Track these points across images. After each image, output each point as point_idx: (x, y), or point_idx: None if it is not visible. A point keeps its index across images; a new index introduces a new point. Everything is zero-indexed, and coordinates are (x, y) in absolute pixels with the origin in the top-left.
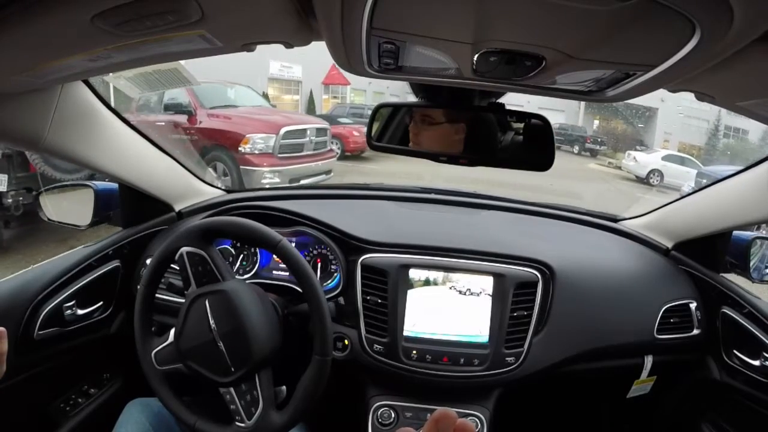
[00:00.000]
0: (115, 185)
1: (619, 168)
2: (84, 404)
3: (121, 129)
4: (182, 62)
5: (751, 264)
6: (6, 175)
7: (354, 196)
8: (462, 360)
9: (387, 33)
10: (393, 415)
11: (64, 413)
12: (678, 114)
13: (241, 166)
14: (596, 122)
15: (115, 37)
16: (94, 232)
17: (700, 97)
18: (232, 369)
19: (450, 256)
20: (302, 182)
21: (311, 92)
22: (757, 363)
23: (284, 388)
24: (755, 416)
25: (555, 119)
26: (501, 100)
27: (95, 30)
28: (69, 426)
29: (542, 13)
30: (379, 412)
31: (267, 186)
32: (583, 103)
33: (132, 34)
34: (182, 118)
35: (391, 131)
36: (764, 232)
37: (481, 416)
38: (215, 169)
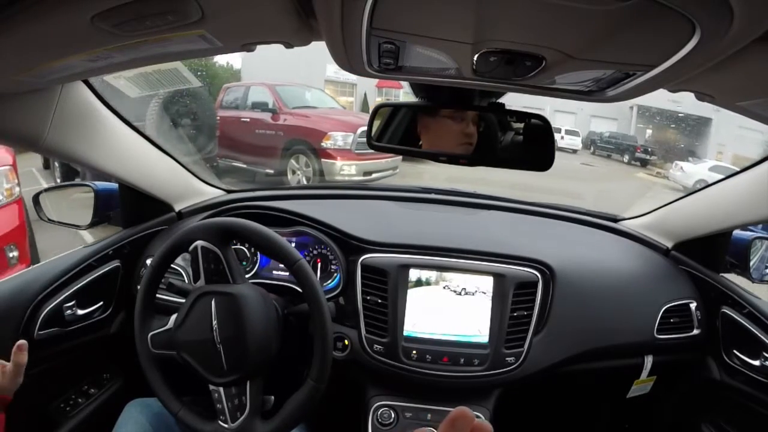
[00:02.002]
0: (115, 185)
1: (667, 178)
2: (84, 404)
3: (121, 129)
4: (241, 64)
5: (751, 264)
6: None
7: (354, 196)
8: (462, 360)
9: (387, 33)
10: (393, 415)
11: (64, 413)
12: (733, 124)
13: (322, 159)
14: (648, 132)
15: (115, 37)
16: None
17: (700, 97)
18: (226, 371)
19: (450, 256)
20: (373, 176)
21: (365, 95)
22: (757, 363)
23: (272, 397)
24: (755, 416)
25: (607, 127)
26: (502, 100)
27: (95, 30)
28: (69, 426)
29: (542, 13)
30: (379, 412)
31: (267, 186)
32: (635, 113)
33: (132, 34)
34: (266, 116)
35: (391, 131)
36: None
37: (481, 416)
38: (297, 161)
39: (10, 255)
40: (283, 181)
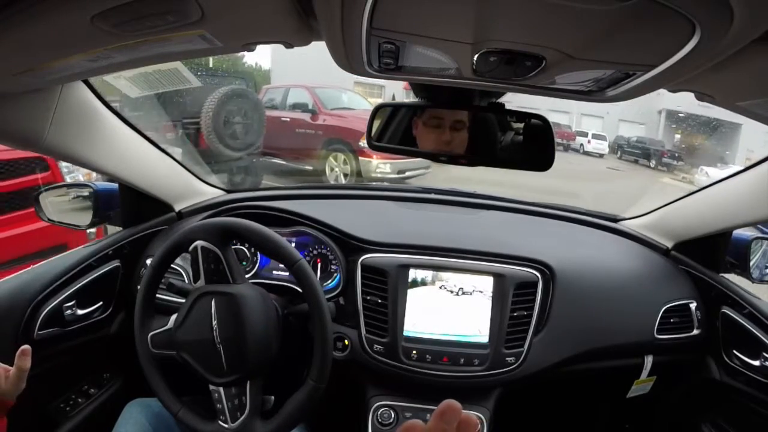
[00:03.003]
0: (115, 185)
1: (692, 183)
2: (84, 404)
3: (121, 129)
4: (270, 65)
5: (751, 264)
6: (180, 149)
7: (354, 196)
8: (462, 360)
9: (387, 33)
10: (393, 415)
11: (64, 413)
12: (762, 130)
13: (360, 158)
14: (677, 136)
15: (115, 37)
16: None
17: (700, 97)
18: (226, 371)
19: (450, 256)
20: (407, 174)
21: (393, 96)
22: (757, 363)
23: (272, 397)
24: (755, 416)
25: (634, 132)
26: (502, 100)
27: (95, 30)
28: (69, 426)
29: (542, 13)
30: (379, 412)
31: (268, 186)
32: (663, 118)
33: (132, 34)
34: (306, 116)
35: (391, 131)
36: None
37: (481, 416)
38: (335, 159)
39: (88, 231)
40: (321, 179)
